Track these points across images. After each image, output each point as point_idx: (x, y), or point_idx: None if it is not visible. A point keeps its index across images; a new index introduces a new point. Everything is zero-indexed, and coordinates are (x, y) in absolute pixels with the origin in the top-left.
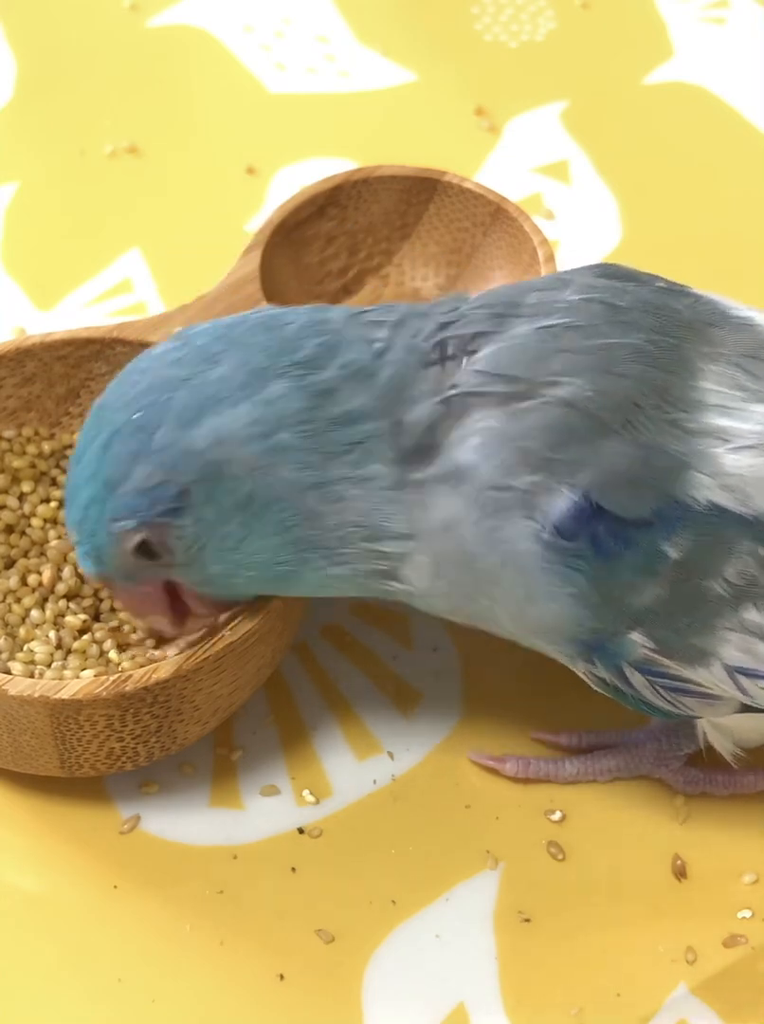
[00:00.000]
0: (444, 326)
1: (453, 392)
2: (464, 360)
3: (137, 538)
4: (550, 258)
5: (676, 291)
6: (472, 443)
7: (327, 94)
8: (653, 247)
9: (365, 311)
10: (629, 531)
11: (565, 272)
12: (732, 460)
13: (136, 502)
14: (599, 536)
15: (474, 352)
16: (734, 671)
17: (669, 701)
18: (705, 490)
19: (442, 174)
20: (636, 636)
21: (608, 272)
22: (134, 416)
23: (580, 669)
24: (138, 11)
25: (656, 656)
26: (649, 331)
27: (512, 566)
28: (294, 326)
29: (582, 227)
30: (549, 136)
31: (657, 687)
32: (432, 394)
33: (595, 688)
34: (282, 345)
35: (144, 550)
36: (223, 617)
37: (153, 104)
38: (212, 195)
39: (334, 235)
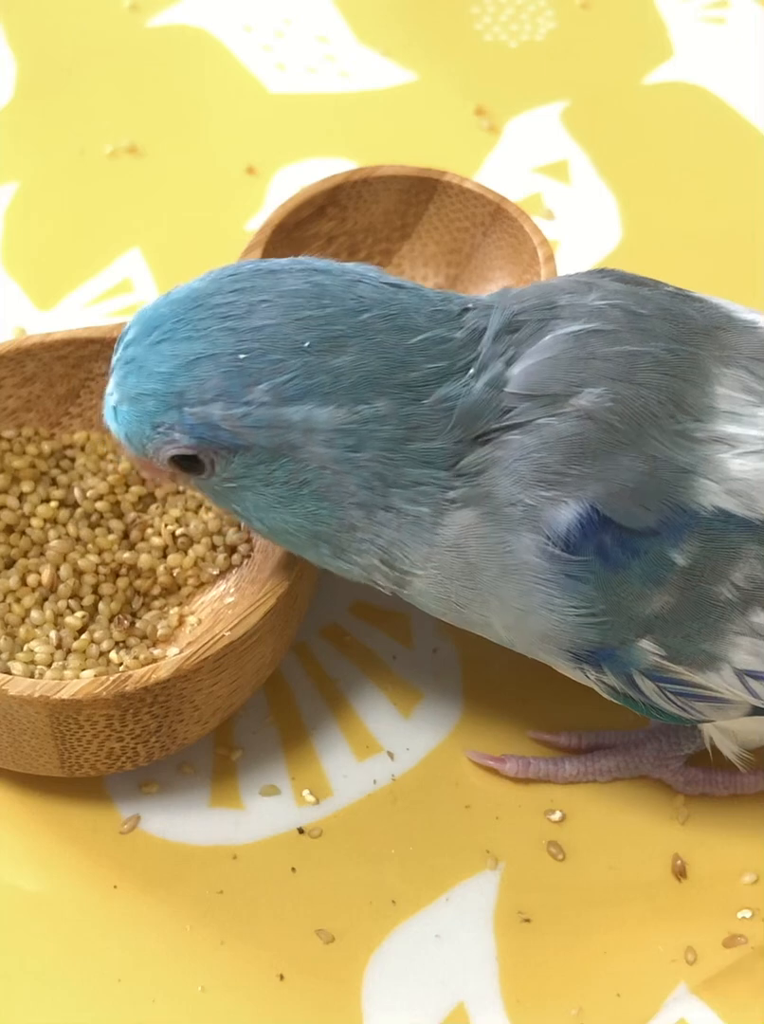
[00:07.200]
0: (508, 355)
1: (498, 424)
2: (507, 380)
3: (178, 451)
4: (550, 258)
5: (684, 296)
6: (500, 466)
7: (327, 94)
8: (653, 247)
9: (473, 324)
10: (636, 540)
11: (582, 274)
12: (738, 465)
13: (199, 430)
14: (606, 547)
15: (512, 363)
16: (744, 675)
17: (680, 706)
18: (711, 496)
19: (442, 174)
20: (646, 644)
21: (621, 277)
22: (240, 354)
23: (590, 677)
24: (138, 11)
25: (666, 663)
26: (668, 339)
27: (512, 579)
28: (420, 339)
29: (582, 227)
30: (549, 136)
31: (667, 693)
32: (485, 424)
33: (605, 695)
34: (402, 356)
35: (180, 458)
36: (222, 625)
37: (153, 104)
38: (212, 195)
39: (334, 235)
